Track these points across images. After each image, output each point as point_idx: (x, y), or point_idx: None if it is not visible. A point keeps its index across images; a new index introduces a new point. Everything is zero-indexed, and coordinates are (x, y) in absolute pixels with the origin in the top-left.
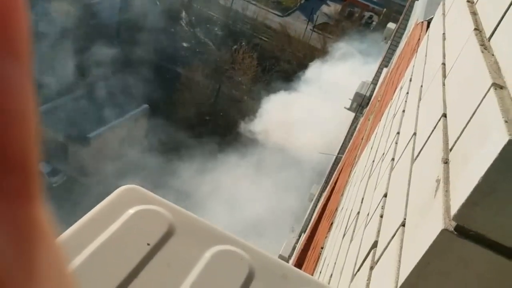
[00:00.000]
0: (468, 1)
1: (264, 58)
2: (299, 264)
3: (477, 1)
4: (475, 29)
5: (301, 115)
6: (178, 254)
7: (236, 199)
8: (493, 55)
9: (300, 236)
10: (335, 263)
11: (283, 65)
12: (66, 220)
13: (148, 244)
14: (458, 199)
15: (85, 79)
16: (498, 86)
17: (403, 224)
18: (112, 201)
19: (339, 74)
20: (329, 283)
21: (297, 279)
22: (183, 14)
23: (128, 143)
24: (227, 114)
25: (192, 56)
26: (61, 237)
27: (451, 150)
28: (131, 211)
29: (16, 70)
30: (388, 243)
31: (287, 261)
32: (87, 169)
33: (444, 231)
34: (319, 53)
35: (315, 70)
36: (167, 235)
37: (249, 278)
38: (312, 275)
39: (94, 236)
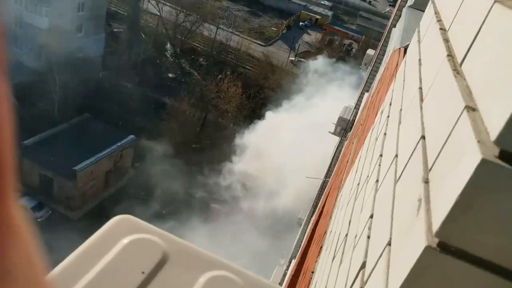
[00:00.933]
0: (441, 29)
1: (248, 86)
2: None
3: (449, 29)
4: (448, 55)
5: (286, 140)
6: (172, 281)
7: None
8: (465, 79)
9: (290, 262)
10: (325, 287)
11: (267, 92)
12: (54, 255)
13: (143, 273)
14: (439, 216)
15: (71, 111)
16: (471, 108)
17: (389, 244)
18: (106, 231)
19: (320, 100)
20: None
21: None
22: (168, 46)
23: (114, 174)
24: (213, 142)
25: (178, 86)
26: (57, 269)
27: (430, 170)
28: (125, 240)
29: None
30: (376, 263)
31: None
32: (73, 203)
33: (427, 248)
34: (301, 80)
35: (298, 97)
36: (161, 263)
37: None
38: None
39: (89, 266)
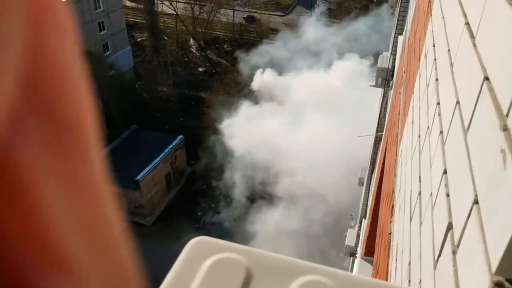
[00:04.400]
0: None
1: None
2: (369, 251)
3: None
4: None
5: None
6: None
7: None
8: None
9: (361, 222)
10: (410, 250)
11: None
12: (145, 256)
13: None
14: None
15: (120, 127)
16: None
17: (476, 202)
18: (186, 258)
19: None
20: (408, 271)
21: None
22: (191, 41)
23: (173, 176)
24: None
25: (210, 78)
26: None
27: (507, 115)
28: (207, 263)
29: (64, 43)
30: (465, 224)
31: (355, 250)
32: (143, 210)
33: None
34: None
35: (329, 55)
36: (247, 280)
37: None
38: (388, 263)
39: None
